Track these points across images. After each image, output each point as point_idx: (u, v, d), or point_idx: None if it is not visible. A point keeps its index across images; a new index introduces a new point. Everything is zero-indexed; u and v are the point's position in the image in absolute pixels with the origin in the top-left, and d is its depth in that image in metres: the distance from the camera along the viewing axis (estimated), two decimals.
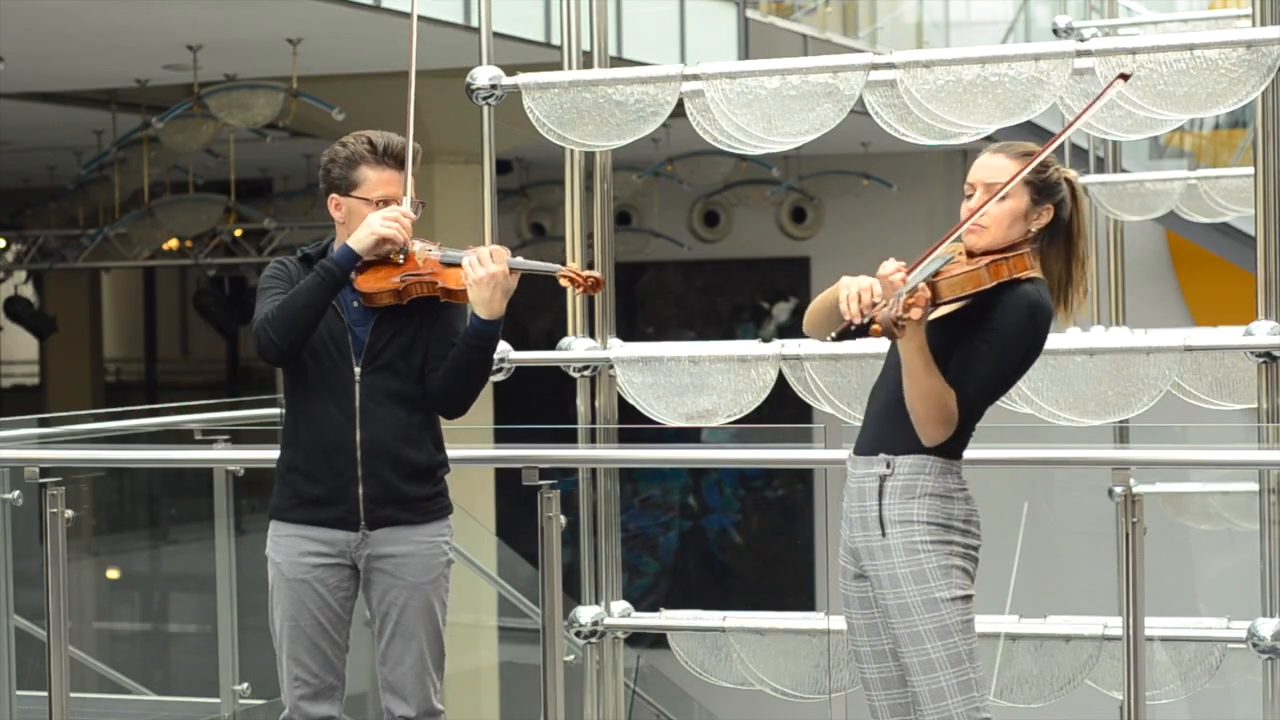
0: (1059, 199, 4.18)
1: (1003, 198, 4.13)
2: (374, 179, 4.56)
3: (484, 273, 4.47)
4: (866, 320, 3.97)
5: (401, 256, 4.57)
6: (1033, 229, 4.16)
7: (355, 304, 4.59)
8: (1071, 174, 4.24)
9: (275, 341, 4.48)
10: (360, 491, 4.55)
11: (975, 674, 4.09)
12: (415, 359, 4.58)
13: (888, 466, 4.12)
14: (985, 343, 4.07)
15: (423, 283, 4.55)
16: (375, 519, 4.57)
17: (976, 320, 4.10)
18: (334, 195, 4.60)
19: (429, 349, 4.59)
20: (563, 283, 4.67)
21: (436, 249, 4.60)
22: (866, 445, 4.19)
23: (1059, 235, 4.20)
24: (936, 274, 4.06)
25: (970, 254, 4.14)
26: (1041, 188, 4.16)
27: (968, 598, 4.11)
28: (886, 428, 4.13)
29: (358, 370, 4.56)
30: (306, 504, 4.58)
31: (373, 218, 4.49)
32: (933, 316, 4.08)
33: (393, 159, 4.57)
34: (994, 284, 4.08)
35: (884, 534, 4.10)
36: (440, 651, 4.64)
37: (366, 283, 4.57)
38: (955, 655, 4.07)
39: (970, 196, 4.19)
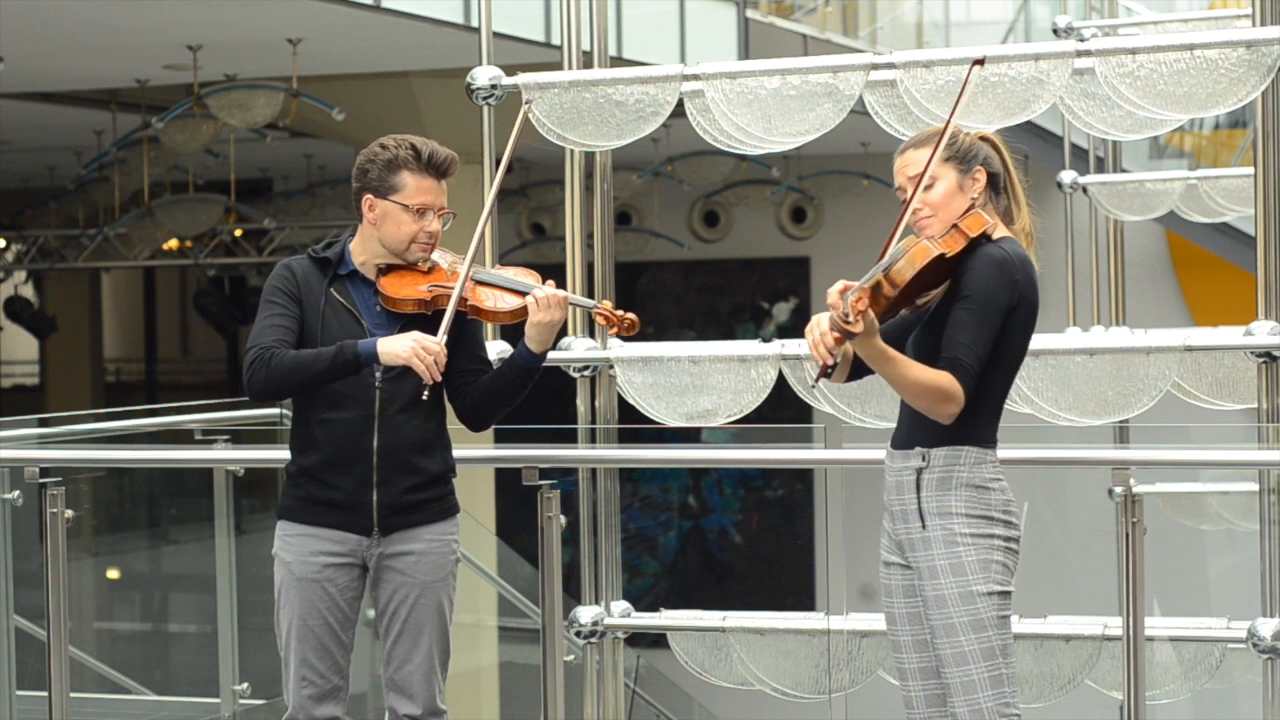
0: (984, 158, 4.26)
1: (930, 184, 4.20)
2: (414, 186, 4.55)
3: (556, 316, 4.53)
4: (837, 360, 4.05)
5: (428, 266, 4.58)
6: (974, 195, 4.24)
7: (378, 308, 4.58)
8: (989, 133, 4.35)
9: (266, 388, 4.47)
10: (374, 498, 4.55)
11: (1008, 669, 4.14)
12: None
13: (923, 459, 4.16)
14: (962, 310, 4.11)
15: (453, 297, 4.53)
16: (388, 525, 4.57)
17: (955, 296, 4.15)
18: (369, 196, 4.58)
19: (453, 362, 4.57)
20: (599, 320, 4.72)
21: (471, 265, 4.57)
22: (902, 439, 4.23)
23: (1001, 189, 4.30)
24: (889, 268, 4.11)
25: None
26: (961, 157, 4.24)
27: (1006, 593, 4.15)
28: (920, 420, 4.16)
29: (378, 376, 4.54)
30: (319, 506, 4.57)
31: (414, 340, 4.43)
32: (921, 302, 4.17)
33: (435, 169, 4.57)
34: (952, 251, 4.12)
35: (924, 526, 4.15)
36: (446, 651, 4.64)
37: (391, 286, 4.56)
38: (989, 649, 4.11)
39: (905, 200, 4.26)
